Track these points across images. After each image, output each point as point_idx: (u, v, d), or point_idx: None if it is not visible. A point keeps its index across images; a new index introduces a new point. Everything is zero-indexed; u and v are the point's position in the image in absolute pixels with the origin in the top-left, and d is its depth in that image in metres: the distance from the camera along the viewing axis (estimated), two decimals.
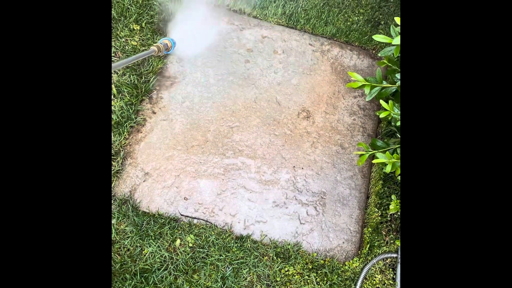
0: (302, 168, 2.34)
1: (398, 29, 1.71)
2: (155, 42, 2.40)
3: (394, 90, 1.85)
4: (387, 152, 1.75)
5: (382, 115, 1.77)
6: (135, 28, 2.43)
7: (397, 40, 1.54)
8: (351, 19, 2.79)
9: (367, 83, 1.84)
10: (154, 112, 2.32)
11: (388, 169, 1.73)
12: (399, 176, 1.75)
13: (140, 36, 2.42)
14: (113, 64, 1.28)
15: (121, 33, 2.38)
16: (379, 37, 1.66)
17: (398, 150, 1.82)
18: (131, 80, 2.29)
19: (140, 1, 2.49)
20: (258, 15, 2.71)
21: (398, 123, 1.75)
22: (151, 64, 2.37)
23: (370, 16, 2.83)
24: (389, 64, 1.90)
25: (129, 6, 2.45)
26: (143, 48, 2.39)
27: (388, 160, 1.73)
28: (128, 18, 2.43)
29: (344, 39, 2.76)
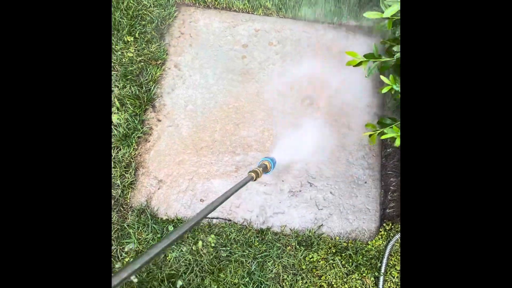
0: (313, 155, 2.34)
1: (387, 1, 1.69)
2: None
3: (393, 63, 1.84)
4: (394, 126, 1.74)
5: (384, 91, 1.76)
6: (129, 40, 2.45)
7: (387, 13, 1.53)
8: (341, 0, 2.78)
9: (364, 59, 1.83)
10: (159, 120, 2.34)
11: (398, 142, 1.72)
12: None
13: (135, 47, 2.44)
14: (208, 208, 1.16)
15: (116, 46, 2.41)
16: (370, 14, 1.64)
17: None
18: (132, 91, 2.31)
19: (131, 13, 2.50)
20: (247, 10, 2.71)
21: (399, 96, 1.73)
22: (150, 73, 2.39)
23: None
24: (386, 41, 1.89)
25: (120, 19, 2.47)
26: (140, 58, 2.41)
27: (396, 134, 1.72)
28: (121, 31, 2.45)
29: (337, 21, 2.74)
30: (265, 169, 1.78)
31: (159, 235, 2.05)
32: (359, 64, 1.83)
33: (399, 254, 2.11)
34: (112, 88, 2.31)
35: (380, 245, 2.12)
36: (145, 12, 2.55)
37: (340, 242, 2.14)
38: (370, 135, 1.89)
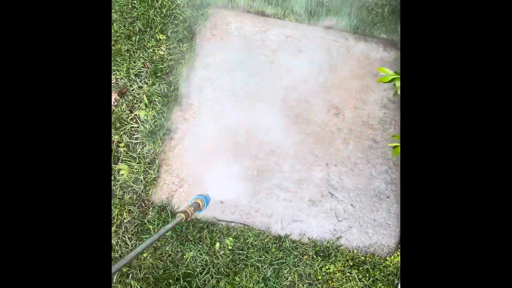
0: (336, 165, 2.32)
1: None
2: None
3: None
4: None
5: None
6: (161, 38, 2.48)
7: None
8: (374, 11, 2.76)
9: (397, 76, 1.81)
10: (185, 119, 2.36)
11: None
12: None
13: (167, 45, 2.47)
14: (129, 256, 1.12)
15: (148, 43, 2.44)
16: None
17: None
18: (161, 89, 2.34)
19: (164, 11, 2.54)
20: (279, 15, 2.72)
21: None
22: (179, 72, 2.41)
23: (394, 6, 2.78)
24: None
25: (153, 17, 2.51)
26: (170, 56, 2.43)
27: None
28: (153, 29, 2.48)
29: (369, 32, 2.73)
30: (197, 208, 1.71)
31: (178, 233, 2.06)
32: (392, 80, 1.81)
33: None
34: (142, 85, 2.35)
35: (398, 261, 2.09)
36: (179, 11, 2.58)
37: (358, 255, 2.12)
38: (394, 147, 1.87)
